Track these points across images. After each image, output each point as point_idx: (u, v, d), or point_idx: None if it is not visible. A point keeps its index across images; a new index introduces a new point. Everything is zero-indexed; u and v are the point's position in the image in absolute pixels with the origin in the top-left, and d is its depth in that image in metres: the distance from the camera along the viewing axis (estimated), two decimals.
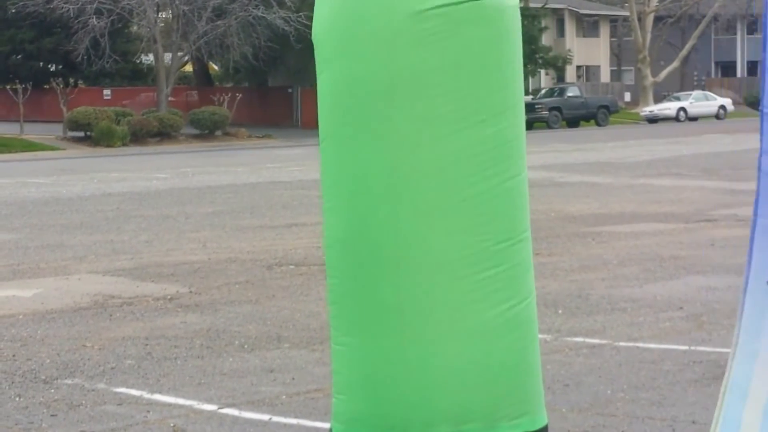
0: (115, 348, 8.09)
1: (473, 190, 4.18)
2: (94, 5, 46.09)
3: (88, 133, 44.42)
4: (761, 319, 3.67)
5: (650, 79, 66.78)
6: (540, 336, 4.62)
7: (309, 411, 6.33)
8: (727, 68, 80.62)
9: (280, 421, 6.17)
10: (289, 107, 58.48)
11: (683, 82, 73.76)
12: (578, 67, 72.05)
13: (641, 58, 66.67)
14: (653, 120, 59.20)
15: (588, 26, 74.79)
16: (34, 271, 11.93)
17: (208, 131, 47.74)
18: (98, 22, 46.31)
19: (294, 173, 26.16)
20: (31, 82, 51.54)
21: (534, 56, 59.06)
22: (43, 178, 26.94)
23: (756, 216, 3.74)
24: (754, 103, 65.99)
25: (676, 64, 68.25)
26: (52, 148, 43.09)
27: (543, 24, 62.60)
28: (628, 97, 71.01)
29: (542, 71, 66.31)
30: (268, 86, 60.78)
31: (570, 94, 57.43)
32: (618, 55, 76.61)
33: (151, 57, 55.05)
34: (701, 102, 61.23)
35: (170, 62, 50.24)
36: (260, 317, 9.08)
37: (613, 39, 76.38)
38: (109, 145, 43.29)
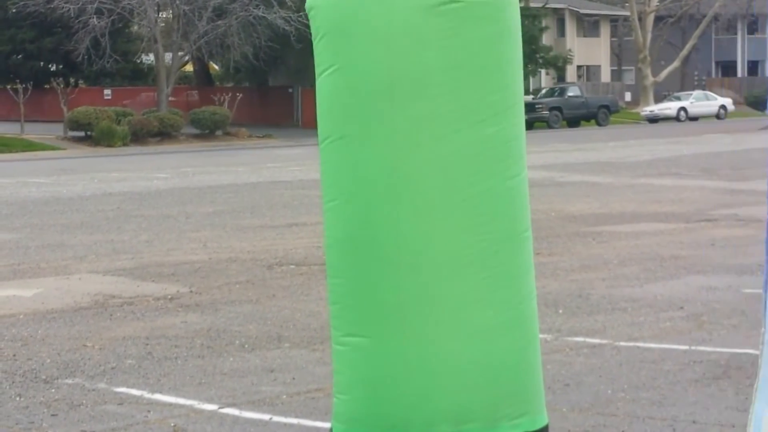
0: (116, 348, 8.09)
1: (474, 190, 4.18)
2: (95, 5, 46.10)
3: (89, 132, 44.43)
4: None
5: (651, 79, 66.78)
6: (540, 336, 4.62)
7: (309, 411, 6.33)
8: (728, 68, 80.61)
9: (280, 421, 6.17)
10: (289, 107, 58.50)
11: (684, 82, 73.77)
12: (579, 67, 72.06)
13: (642, 57, 66.67)
14: (654, 120, 59.21)
15: (588, 26, 74.80)
16: (34, 270, 11.93)
17: (208, 131, 47.75)
18: (99, 22, 46.32)
19: (294, 173, 26.16)
20: (31, 82, 51.55)
21: (534, 56, 59.08)
22: (43, 178, 26.95)
23: None
24: (754, 103, 66.04)
25: (676, 63, 68.25)
26: (53, 148, 43.09)
27: (543, 24, 62.61)
28: (628, 96, 71.03)
29: (543, 71, 66.33)
30: (269, 86, 60.80)
31: (570, 93, 57.44)
32: (618, 55, 76.61)
33: (151, 57, 55.06)
34: (702, 102, 61.24)
35: (171, 62, 50.25)
36: (261, 317, 9.08)
37: (613, 39, 76.39)
38: (109, 145, 43.30)
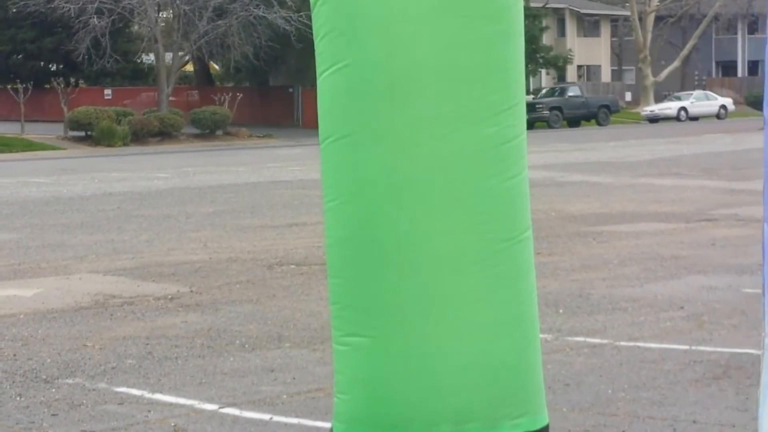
0: (116, 347, 8.09)
1: (474, 190, 4.18)
2: (95, 5, 46.11)
3: (89, 132, 44.44)
4: None
5: (651, 79, 66.78)
6: (541, 335, 4.62)
7: (310, 410, 6.33)
8: (728, 68, 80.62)
9: (280, 421, 6.17)
10: (289, 107, 58.50)
11: (684, 82, 73.78)
12: (579, 67, 72.08)
13: (642, 57, 66.67)
14: (654, 120, 59.21)
15: (589, 26, 74.81)
16: (35, 270, 11.93)
17: (208, 131, 47.75)
18: (99, 22, 46.32)
19: (295, 173, 26.16)
20: (32, 82, 51.55)
21: (535, 56, 59.08)
22: (44, 178, 26.95)
23: (764, 221, 3.73)
24: (754, 103, 65.97)
25: (677, 63, 68.25)
26: (53, 148, 43.09)
27: (544, 24, 62.62)
28: (628, 96, 71.04)
29: (543, 71, 66.35)
30: (269, 86, 60.79)
31: (571, 93, 57.44)
32: (619, 55, 76.62)
33: (152, 57, 55.05)
34: (702, 102, 61.24)
35: (171, 62, 50.25)
36: (261, 317, 9.08)
37: (613, 39, 76.40)
38: (109, 145, 43.30)
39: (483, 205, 4.20)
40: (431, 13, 4.12)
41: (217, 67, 64.95)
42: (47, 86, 51.53)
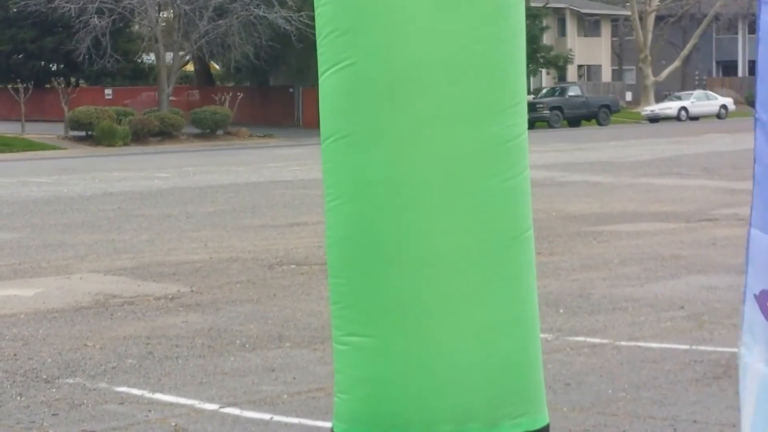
0: (117, 347, 8.09)
1: (475, 189, 4.18)
2: (96, 4, 46.11)
3: (90, 132, 44.44)
4: (747, 333, 3.67)
5: (651, 79, 66.77)
6: (541, 335, 4.62)
7: (310, 410, 6.33)
8: (729, 68, 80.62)
9: (281, 421, 6.17)
10: (290, 107, 58.49)
11: (684, 82, 73.77)
12: (579, 67, 72.08)
13: (642, 57, 66.66)
14: (654, 119, 59.19)
15: (589, 26, 74.81)
16: (35, 270, 11.93)
17: (209, 131, 47.75)
18: (100, 22, 46.33)
19: (295, 172, 26.16)
20: (32, 82, 51.55)
21: (535, 55, 59.09)
22: (44, 178, 26.95)
23: (750, 226, 3.74)
24: (754, 103, 65.99)
25: (677, 63, 68.25)
26: (54, 148, 43.10)
27: (544, 23, 62.62)
28: (629, 96, 71.03)
29: (543, 70, 66.34)
30: (270, 86, 60.79)
31: (571, 93, 57.43)
32: (619, 55, 76.62)
33: (152, 56, 55.06)
34: (702, 101, 61.22)
35: (171, 61, 50.26)
36: (261, 316, 9.08)
37: (614, 38, 76.39)
38: (110, 145, 43.30)
39: (484, 204, 4.20)
40: (432, 13, 4.12)
41: (217, 66, 64.95)
42: (48, 86, 51.53)
